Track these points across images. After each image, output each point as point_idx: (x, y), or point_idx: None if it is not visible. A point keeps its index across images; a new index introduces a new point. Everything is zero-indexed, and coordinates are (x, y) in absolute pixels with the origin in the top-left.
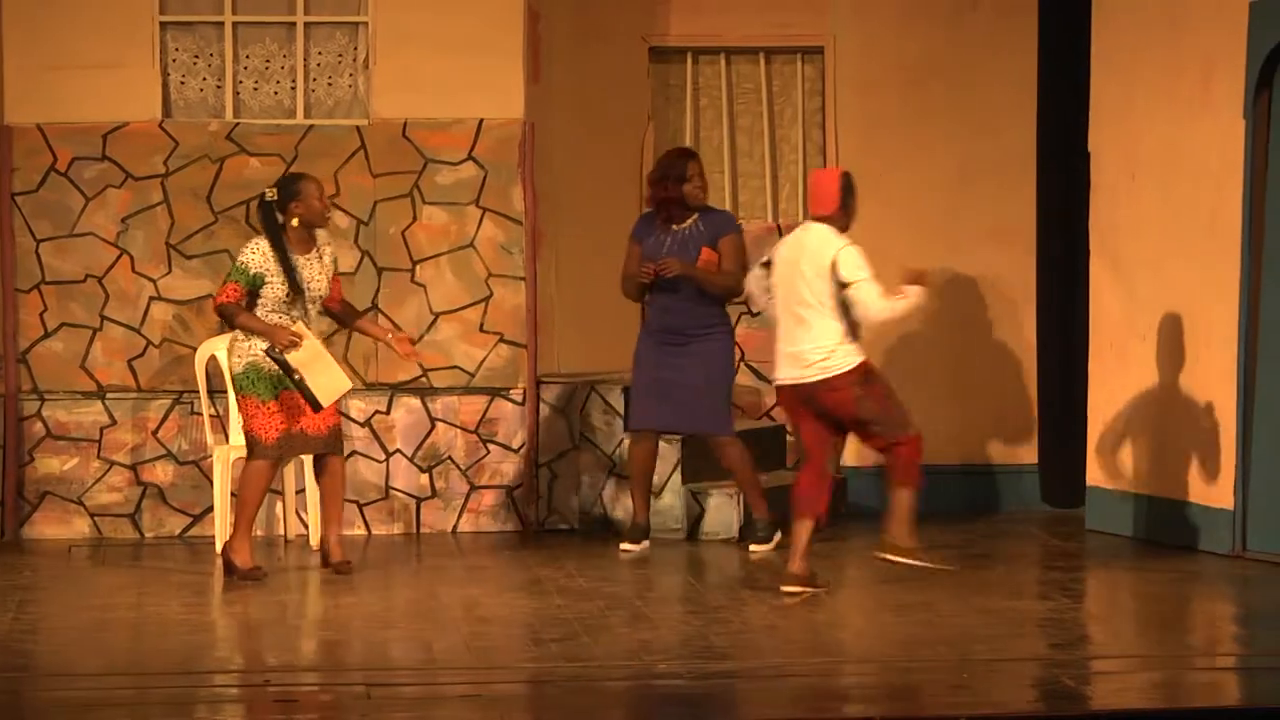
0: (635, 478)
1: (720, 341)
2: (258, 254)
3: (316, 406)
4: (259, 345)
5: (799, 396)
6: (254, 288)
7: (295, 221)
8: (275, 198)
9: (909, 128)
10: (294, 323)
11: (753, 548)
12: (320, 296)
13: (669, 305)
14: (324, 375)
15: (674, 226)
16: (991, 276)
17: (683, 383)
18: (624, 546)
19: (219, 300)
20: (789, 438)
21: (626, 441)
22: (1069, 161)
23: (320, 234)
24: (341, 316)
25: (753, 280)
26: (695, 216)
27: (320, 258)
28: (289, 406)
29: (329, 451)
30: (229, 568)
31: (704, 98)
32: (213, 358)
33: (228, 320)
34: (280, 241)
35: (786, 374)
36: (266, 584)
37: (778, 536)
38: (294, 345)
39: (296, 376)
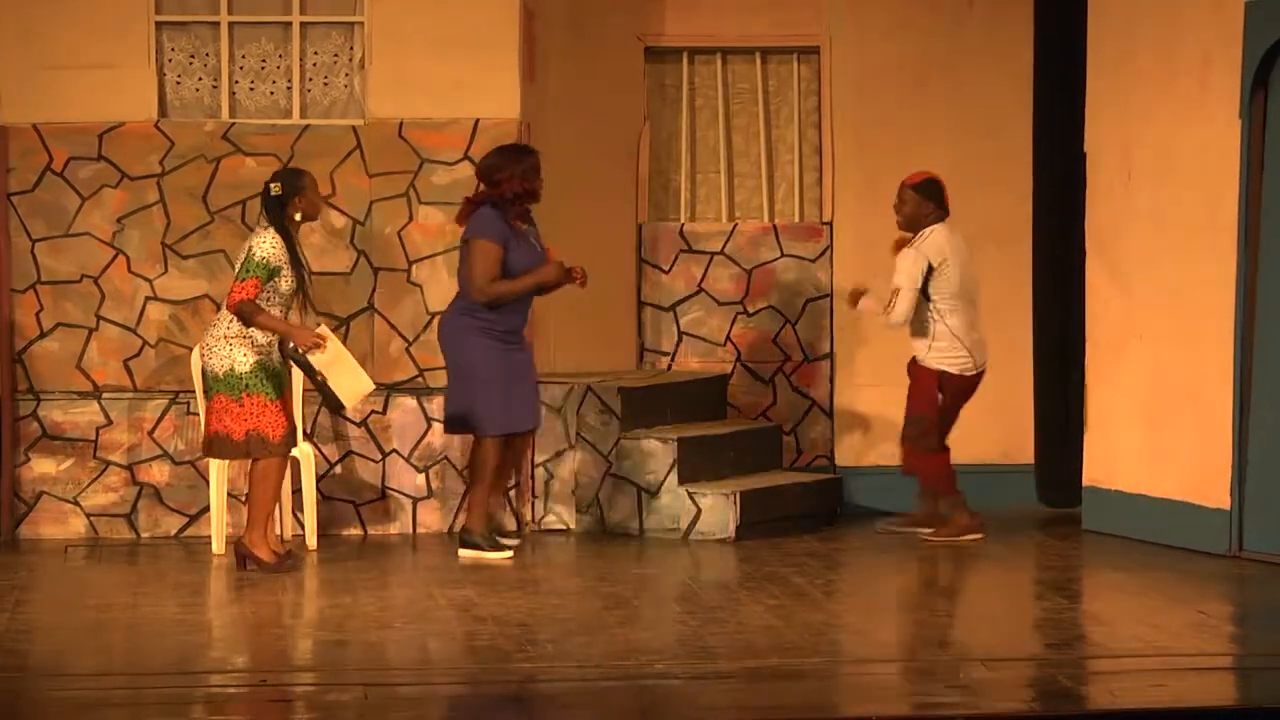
0: (500, 480)
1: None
2: (277, 247)
3: (339, 408)
4: (258, 339)
5: (976, 383)
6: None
7: (298, 216)
8: (280, 192)
9: (905, 128)
10: (301, 318)
11: (463, 552)
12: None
13: (518, 307)
14: (346, 376)
15: (522, 226)
16: (987, 275)
17: (530, 381)
18: (507, 546)
19: (239, 297)
20: (785, 438)
21: (624, 442)
22: (1066, 161)
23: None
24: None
25: (912, 292)
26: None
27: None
28: (287, 403)
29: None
30: (244, 562)
31: (700, 98)
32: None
33: (246, 318)
34: (289, 235)
35: (981, 359)
36: (262, 584)
37: (501, 554)
38: (318, 346)
39: (319, 378)
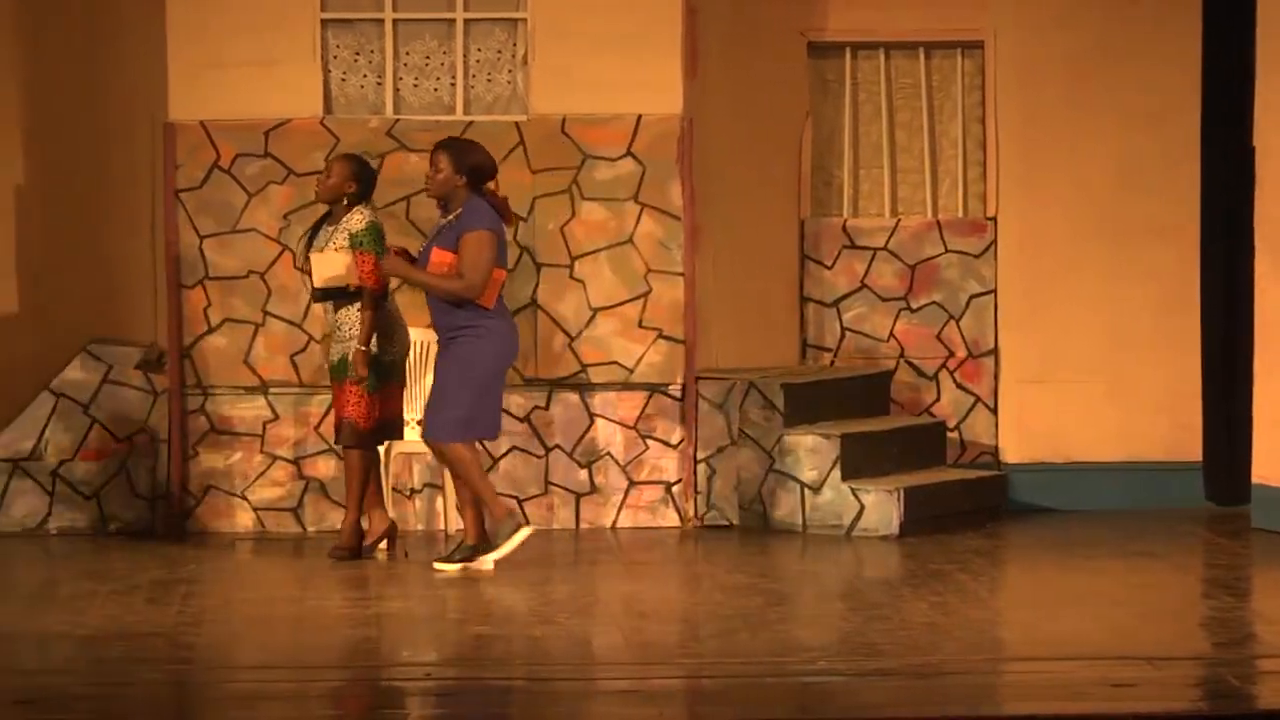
0: (482, 481)
1: (463, 346)
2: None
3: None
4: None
5: None
6: None
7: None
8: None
9: (1070, 122)
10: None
11: (438, 565)
12: None
13: (431, 306)
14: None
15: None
16: (1154, 271)
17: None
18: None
19: (377, 281)
20: (949, 434)
21: (787, 438)
22: (1234, 156)
23: None
24: None
25: None
26: (458, 211)
27: None
28: (389, 396)
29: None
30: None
31: (862, 93)
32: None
33: (372, 303)
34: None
35: None
36: (428, 579)
37: (477, 563)
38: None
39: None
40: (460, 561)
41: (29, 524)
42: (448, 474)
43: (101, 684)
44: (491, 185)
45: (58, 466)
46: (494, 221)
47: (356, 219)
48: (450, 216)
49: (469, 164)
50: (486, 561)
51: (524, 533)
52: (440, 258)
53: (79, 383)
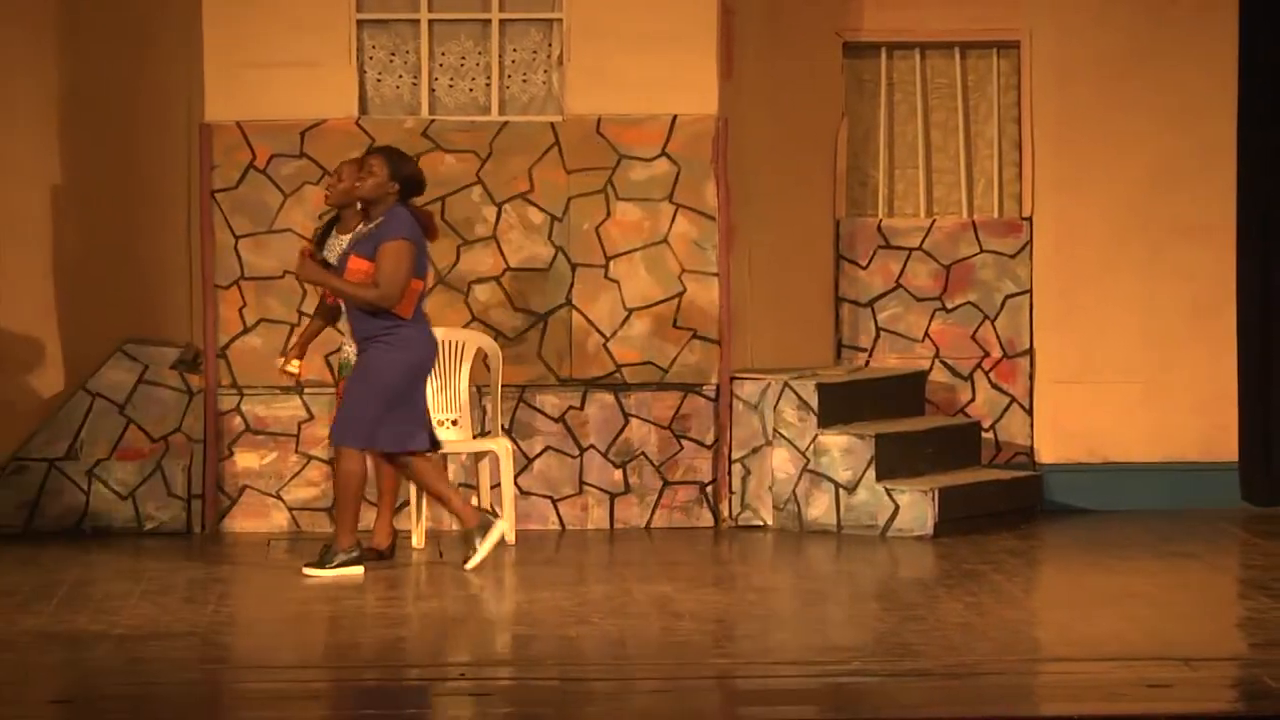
0: (354, 504)
1: (374, 355)
2: None
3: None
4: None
5: None
6: None
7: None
8: None
9: (1106, 122)
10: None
11: (309, 570)
12: None
13: (348, 312)
14: None
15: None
16: (1190, 271)
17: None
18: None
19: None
20: (984, 434)
21: (822, 438)
22: (1270, 155)
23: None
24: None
25: None
26: (379, 220)
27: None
28: None
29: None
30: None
31: (898, 93)
32: None
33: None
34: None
35: None
36: (462, 579)
37: (345, 571)
38: None
39: None
40: (335, 567)
41: (65, 524)
42: (482, 473)
43: (137, 683)
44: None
45: (94, 466)
46: (414, 231)
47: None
48: (372, 225)
49: (404, 173)
50: (318, 574)
51: (354, 571)
52: (358, 265)
53: (115, 383)
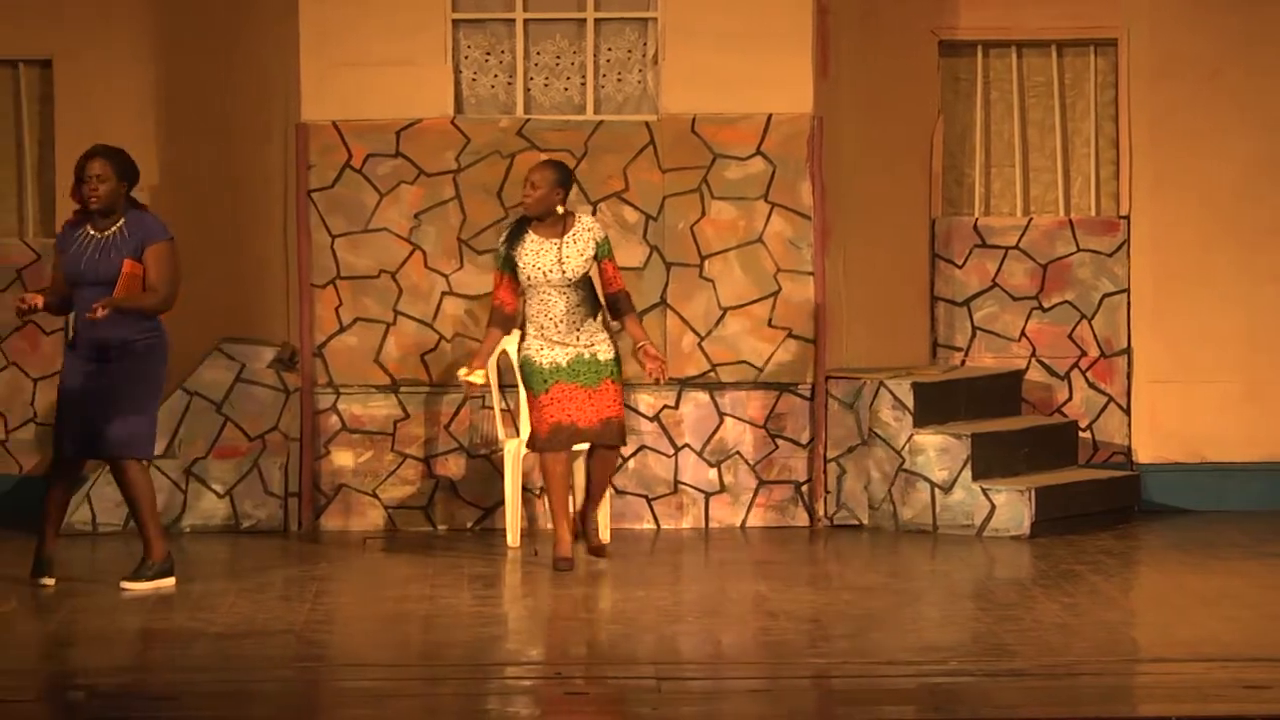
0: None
1: (144, 357)
2: None
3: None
4: (531, 342)
5: None
6: None
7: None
8: None
9: (1203, 120)
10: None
11: (126, 584)
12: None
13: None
14: None
15: (93, 231)
16: None
17: (108, 401)
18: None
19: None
20: (1081, 434)
21: (917, 438)
22: None
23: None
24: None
25: None
26: (121, 221)
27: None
28: (558, 399)
29: (601, 443)
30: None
31: (994, 91)
32: (504, 352)
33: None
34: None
35: None
36: (557, 578)
37: (160, 582)
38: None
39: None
40: (142, 579)
41: (162, 522)
42: (578, 471)
43: (234, 681)
44: None
45: (191, 465)
46: (169, 231)
47: (594, 226)
48: (114, 229)
49: (135, 173)
50: (137, 587)
51: (168, 581)
52: (134, 269)
53: (212, 381)
